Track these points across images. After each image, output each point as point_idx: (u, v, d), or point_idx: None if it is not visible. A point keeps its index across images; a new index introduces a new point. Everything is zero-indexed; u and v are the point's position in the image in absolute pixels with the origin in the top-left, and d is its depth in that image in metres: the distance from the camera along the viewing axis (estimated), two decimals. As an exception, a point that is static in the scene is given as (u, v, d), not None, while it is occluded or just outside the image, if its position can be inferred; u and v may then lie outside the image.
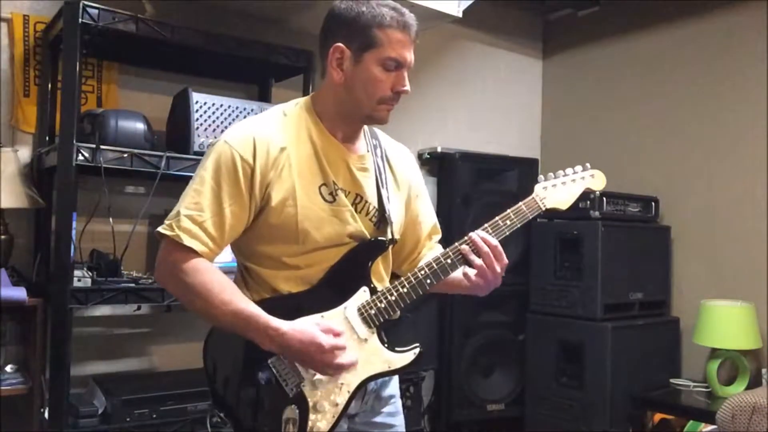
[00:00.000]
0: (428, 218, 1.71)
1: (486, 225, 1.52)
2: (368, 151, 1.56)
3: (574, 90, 4.29)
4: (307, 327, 1.37)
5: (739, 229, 3.42)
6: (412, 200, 1.65)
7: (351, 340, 1.42)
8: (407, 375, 3.31)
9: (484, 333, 3.61)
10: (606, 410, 3.22)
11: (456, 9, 3.04)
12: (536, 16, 4.42)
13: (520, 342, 3.67)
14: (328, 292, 1.45)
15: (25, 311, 2.35)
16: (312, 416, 1.39)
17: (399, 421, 1.61)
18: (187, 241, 1.35)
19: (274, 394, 1.39)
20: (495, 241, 1.48)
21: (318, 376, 1.40)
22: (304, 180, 1.44)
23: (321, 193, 1.45)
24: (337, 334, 1.38)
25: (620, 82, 4.02)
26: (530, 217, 1.55)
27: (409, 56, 1.45)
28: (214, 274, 1.38)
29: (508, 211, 1.54)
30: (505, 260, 1.49)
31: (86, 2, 2.31)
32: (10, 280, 2.37)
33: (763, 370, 3.23)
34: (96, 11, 2.33)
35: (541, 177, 1.62)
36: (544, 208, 1.58)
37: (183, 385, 2.53)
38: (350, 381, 1.43)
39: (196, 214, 1.37)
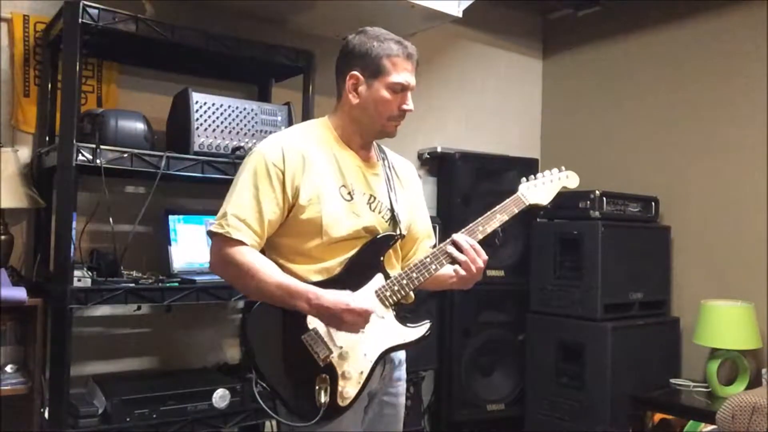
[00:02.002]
0: (424, 226, 1.95)
1: (479, 219, 1.78)
2: (378, 160, 1.84)
3: (574, 90, 4.29)
4: (339, 293, 1.62)
5: (739, 229, 3.42)
6: (411, 209, 1.90)
7: (372, 317, 1.63)
8: (407, 375, 3.30)
9: (484, 333, 3.61)
10: (606, 410, 3.23)
11: (456, 9, 3.04)
12: (536, 16, 4.42)
13: (520, 342, 3.67)
14: (349, 279, 1.69)
15: (25, 311, 2.35)
16: (341, 383, 1.64)
17: (401, 401, 1.89)
18: (236, 235, 1.62)
19: (308, 365, 1.62)
20: (473, 241, 1.73)
21: (344, 348, 1.64)
22: (327, 182, 1.70)
23: (341, 193, 1.72)
24: (365, 308, 1.61)
25: (620, 82, 4.02)
26: (516, 212, 1.82)
27: (412, 80, 1.74)
28: (259, 256, 1.65)
29: (498, 207, 1.81)
30: (485, 257, 1.74)
31: (86, 2, 2.30)
32: (10, 280, 2.37)
33: (763, 370, 3.23)
34: (96, 11, 2.33)
35: (523, 179, 1.88)
36: (527, 204, 1.85)
37: (183, 385, 2.54)
38: (372, 352, 1.68)
39: (240, 212, 1.63)
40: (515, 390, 3.66)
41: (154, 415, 2.41)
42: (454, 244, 1.72)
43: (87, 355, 2.71)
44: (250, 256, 1.62)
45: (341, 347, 1.65)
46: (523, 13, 4.33)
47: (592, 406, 3.27)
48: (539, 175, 1.90)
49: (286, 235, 1.70)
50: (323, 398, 1.60)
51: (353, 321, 1.59)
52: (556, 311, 3.48)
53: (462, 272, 1.72)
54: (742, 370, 3.22)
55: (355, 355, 1.66)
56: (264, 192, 1.64)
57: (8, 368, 2.39)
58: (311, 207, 1.66)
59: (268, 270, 1.62)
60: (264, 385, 1.63)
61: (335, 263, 1.69)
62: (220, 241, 1.65)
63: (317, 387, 1.61)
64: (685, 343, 3.55)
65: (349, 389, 1.65)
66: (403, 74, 1.71)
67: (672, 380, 3.44)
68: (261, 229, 1.64)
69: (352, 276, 1.69)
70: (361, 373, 1.67)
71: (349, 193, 1.72)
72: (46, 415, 2.27)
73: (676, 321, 3.61)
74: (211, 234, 1.67)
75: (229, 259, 1.63)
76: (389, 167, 1.86)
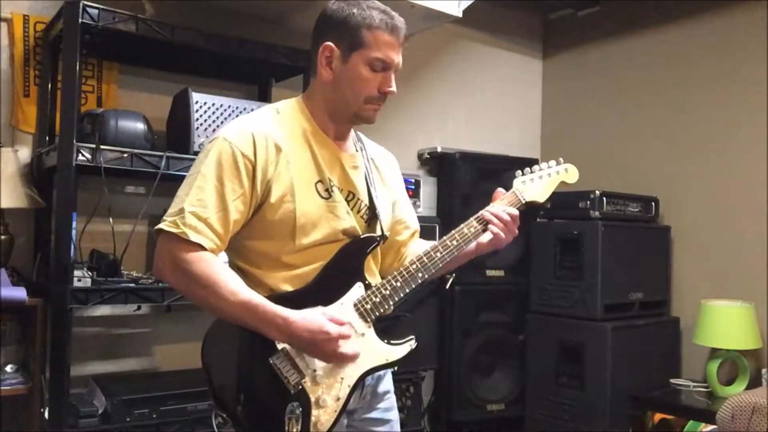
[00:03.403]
0: (410, 225, 1.75)
1: (471, 219, 1.59)
2: (357, 151, 1.62)
3: (574, 90, 4.29)
4: (314, 316, 1.39)
5: (739, 229, 3.42)
6: (394, 205, 1.70)
7: (350, 335, 1.43)
8: (407, 375, 3.31)
9: (484, 333, 3.61)
10: (606, 410, 3.22)
11: (456, 9, 3.04)
12: (536, 16, 4.42)
13: (520, 342, 3.67)
14: (325, 288, 1.47)
15: (25, 311, 2.35)
16: (315, 411, 1.41)
17: (394, 415, 1.65)
18: (194, 237, 1.36)
19: (276, 392, 1.40)
20: (515, 211, 1.59)
21: (319, 371, 1.42)
22: (301, 176, 1.47)
23: (317, 190, 1.49)
24: (342, 324, 1.41)
25: (620, 82, 4.02)
26: None
27: (397, 58, 1.50)
28: (220, 266, 1.39)
29: (492, 204, 1.62)
30: (518, 223, 1.60)
31: (86, 2, 2.31)
32: (10, 280, 2.37)
33: (763, 370, 3.23)
34: (96, 11, 2.33)
35: (518, 172, 1.68)
36: (524, 201, 1.65)
37: (183, 385, 2.54)
38: (351, 375, 1.45)
39: (201, 210, 1.38)
40: (515, 390, 3.66)
41: (154, 415, 2.41)
42: (492, 214, 1.57)
43: (87, 355, 2.71)
44: (210, 265, 1.37)
45: (315, 370, 1.42)
46: (523, 13, 4.33)
47: (592, 406, 3.27)
48: (536, 167, 1.70)
49: (253, 238, 1.47)
50: (294, 430, 1.37)
51: (330, 351, 1.38)
52: (556, 311, 3.48)
53: (498, 231, 1.57)
54: (742, 370, 3.22)
55: (330, 379, 1.43)
56: (230, 187, 1.40)
57: (8, 368, 2.40)
58: (283, 206, 1.44)
59: (231, 285, 1.37)
60: (224, 416, 1.41)
61: (309, 270, 1.47)
62: (172, 243, 1.37)
63: (287, 417, 1.38)
64: (685, 343, 3.55)
65: (324, 419, 1.42)
66: (384, 49, 1.46)
67: (672, 380, 3.43)
68: (224, 231, 1.40)
69: (327, 286, 1.47)
70: (338, 399, 1.44)
71: (327, 190, 1.50)
72: (46, 415, 2.27)
73: (676, 321, 3.60)
74: (159, 232, 1.39)
75: (184, 267, 1.36)
76: (368, 159, 1.63)
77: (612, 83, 4.06)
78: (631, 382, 3.27)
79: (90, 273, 2.35)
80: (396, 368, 1.58)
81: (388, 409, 1.64)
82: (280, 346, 1.41)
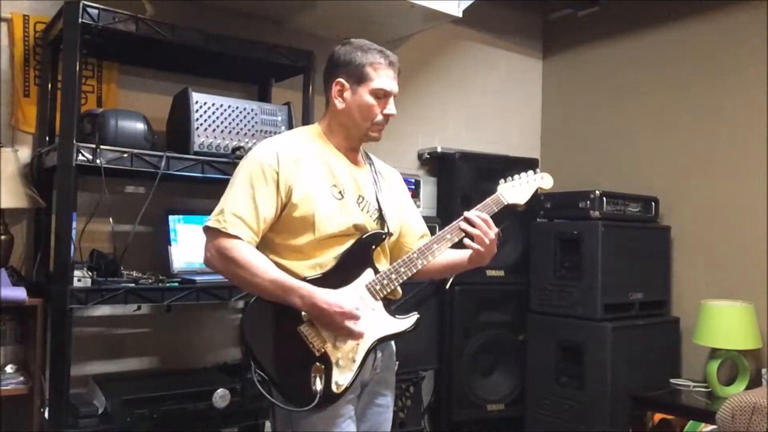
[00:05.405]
0: (418, 225, 2.06)
1: (459, 219, 1.86)
2: (365, 164, 1.96)
3: (574, 90, 4.29)
4: (334, 293, 1.71)
5: (739, 229, 3.42)
6: (401, 210, 1.99)
7: (363, 309, 1.74)
8: (407, 375, 3.31)
9: (484, 333, 3.61)
10: (606, 410, 3.23)
11: (456, 9, 3.04)
12: (536, 16, 4.43)
13: (520, 342, 3.68)
14: (341, 273, 1.77)
15: (25, 311, 2.35)
16: (335, 371, 1.73)
17: (390, 398, 1.95)
18: (233, 230, 1.69)
19: (304, 355, 1.71)
20: (485, 215, 1.84)
21: (338, 338, 1.72)
22: (318, 182, 1.79)
23: (332, 192, 1.80)
24: (355, 306, 1.71)
25: (620, 82, 4.02)
26: (495, 210, 1.90)
27: (394, 86, 1.85)
28: (254, 251, 1.72)
29: (479, 206, 1.90)
30: (496, 229, 1.85)
31: (86, 2, 2.31)
32: (10, 280, 2.37)
33: (763, 370, 3.23)
34: (96, 11, 2.33)
35: (501, 180, 1.98)
36: (505, 203, 1.94)
37: (183, 385, 2.55)
38: (365, 341, 1.77)
39: (237, 210, 1.71)
40: (515, 390, 3.66)
41: (154, 415, 2.41)
42: (466, 220, 1.82)
43: (87, 355, 2.71)
44: (245, 251, 1.70)
45: (335, 337, 1.73)
46: (523, 13, 4.33)
47: (592, 406, 3.28)
48: (516, 176, 1.99)
49: (280, 232, 1.78)
50: (318, 386, 1.68)
51: (341, 323, 1.68)
52: (556, 311, 3.48)
53: (476, 246, 1.82)
54: (742, 370, 3.22)
55: (348, 345, 1.74)
56: (260, 191, 1.72)
57: (8, 368, 2.40)
58: (304, 205, 1.75)
59: (263, 265, 1.69)
60: (262, 374, 1.70)
61: (327, 259, 1.77)
62: (216, 236, 1.71)
63: (313, 375, 1.69)
64: (685, 343, 3.55)
65: (343, 377, 1.73)
66: (385, 80, 1.81)
67: (672, 380, 3.44)
68: (257, 226, 1.72)
69: (344, 271, 1.78)
70: (354, 361, 1.75)
71: (340, 192, 1.81)
72: (46, 415, 2.27)
73: (676, 321, 3.61)
74: (206, 229, 1.74)
75: (225, 253, 1.70)
76: (375, 171, 1.96)
77: (612, 83, 4.06)
78: (631, 382, 3.28)
79: (90, 273, 2.35)
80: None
81: (387, 385, 1.93)
82: (306, 318, 1.71)
